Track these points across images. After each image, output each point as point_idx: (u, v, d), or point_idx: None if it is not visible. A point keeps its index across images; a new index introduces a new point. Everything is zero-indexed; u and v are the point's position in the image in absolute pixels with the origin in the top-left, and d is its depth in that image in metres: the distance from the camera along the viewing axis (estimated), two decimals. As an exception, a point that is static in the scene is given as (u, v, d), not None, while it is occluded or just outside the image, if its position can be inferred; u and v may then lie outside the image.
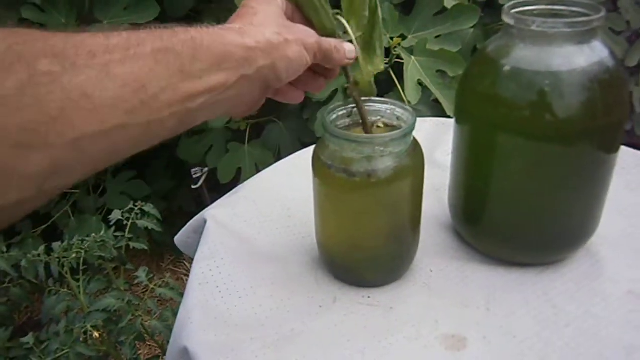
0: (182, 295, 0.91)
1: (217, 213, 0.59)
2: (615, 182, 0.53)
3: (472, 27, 1.00)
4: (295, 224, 0.58)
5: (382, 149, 0.43)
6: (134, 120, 0.29)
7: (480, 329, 0.45)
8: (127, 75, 0.29)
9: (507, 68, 0.45)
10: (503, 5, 1.09)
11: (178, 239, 0.65)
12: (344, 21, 0.44)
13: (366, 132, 0.47)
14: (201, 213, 0.61)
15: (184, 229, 0.64)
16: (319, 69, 0.44)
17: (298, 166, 0.68)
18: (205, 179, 1.37)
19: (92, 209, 1.46)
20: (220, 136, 1.27)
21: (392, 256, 0.49)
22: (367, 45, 0.46)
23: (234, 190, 0.65)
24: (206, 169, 1.36)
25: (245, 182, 0.67)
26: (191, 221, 0.63)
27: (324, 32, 0.42)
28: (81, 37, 0.28)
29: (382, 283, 0.50)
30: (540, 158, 0.46)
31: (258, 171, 1.23)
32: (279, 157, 1.29)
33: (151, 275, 0.93)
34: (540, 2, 0.48)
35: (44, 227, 1.46)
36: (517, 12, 0.46)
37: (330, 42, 0.41)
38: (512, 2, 0.47)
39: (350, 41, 0.44)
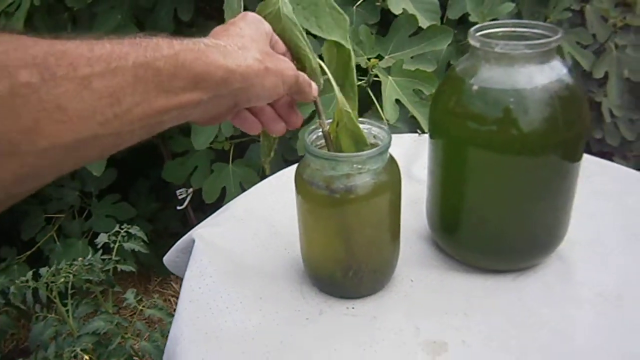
0: (170, 315, 0.93)
1: (204, 232, 0.61)
2: (582, 189, 0.56)
3: (448, 46, 1.05)
4: (281, 240, 0.60)
5: (359, 166, 0.46)
6: (106, 131, 0.30)
7: (460, 334, 0.48)
8: (105, 88, 0.29)
9: (475, 87, 0.48)
10: (474, 22, 1.13)
11: (167, 259, 0.66)
12: (321, 63, 0.47)
13: None
14: (189, 233, 0.63)
15: (172, 249, 0.65)
16: (283, 111, 0.46)
17: (282, 184, 0.71)
18: (190, 200, 1.39)
19: (77, 232, 1.47)
20: (204, 157, 1.29)
21: (374, 268, 0.51)
22: (340, 89, 0.49)
23: (220, 210, 0.67)
24: (191, 190, 1.37)
25: (232, 202, 0.69)
26: (179, 241, 0.64)
27: (302, 68, 0.45)
28: (64, 47, 0.28)
29: (366, 294, 0.52)
30: (508, 170, 0.49)
31: (243, 189, 1.25)
32: (263, 175, 1.31)
33: (139, 297, 0.94)
34: (504, 25, 0.51)
35: (29, 253, 1.45)
36: (482, 35, 0.50)
37: (305, 77, 0.44)
38: (477, 25, 0.50)
39: (328, 79, 0.47)
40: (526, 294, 0.52)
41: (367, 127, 0.50)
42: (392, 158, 0.49)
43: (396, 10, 1.00)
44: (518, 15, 1.28)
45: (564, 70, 0.48)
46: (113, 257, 0.97)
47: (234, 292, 0.53)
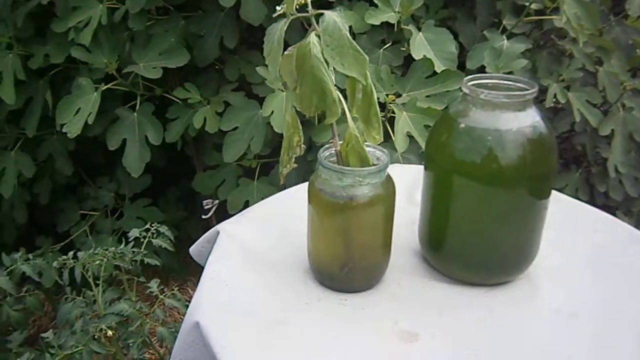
0: (188, 307, 1.03)
1: (228, 227, 0.72)
2: (558, 225, 0.65)
3: (459, 89, 1.16)
4: (293, 238, 0.70)
5: (360, 179, 0.56)
6: None
7: (431, 329, 0.57)
8: None
9: (462, 126, 0.59)
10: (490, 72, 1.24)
11: (193, 249, 0.77)
12: (340, 95, 0.57)
13: None
14: (215, 227, 0.73)
15: (199, 240, 0.76)
16: None
17: (298, 195, 0.81)
18: (215, 211, 1.50)
19: (108, 230, 1.59)
20: (233, 172, 1.40)
21: (366, 267, 0.61)
22: (366, 121, 0.59)
23: (244, 210, 0.78)
24: (217, 201, 1.49)
25: (255, 205, 0.80)
26: (206, 234, 0.75)
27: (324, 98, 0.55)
28: None
29: (358, 290, 0.62)
30: (486, 198, 0.59)
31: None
32: (283, 194, 1.42)
33: (161, 287, 1.05)
34: (493, 78, 0.62)
35: (62, 244, 1.58)
36: (473, 84, 0.60)
37: None
38: (470, 76, 0.61)
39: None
40: (494, 304, 0.61)
41: (372, 150, 0.61)
42: (389, 177, 0.60)
43: (417, 55, 1.12)
44: (533, 70, 1.39)
45: (537, 119, 0.58)
46: (142, 250, 1.08)
47: (247, 275, 0.63)
